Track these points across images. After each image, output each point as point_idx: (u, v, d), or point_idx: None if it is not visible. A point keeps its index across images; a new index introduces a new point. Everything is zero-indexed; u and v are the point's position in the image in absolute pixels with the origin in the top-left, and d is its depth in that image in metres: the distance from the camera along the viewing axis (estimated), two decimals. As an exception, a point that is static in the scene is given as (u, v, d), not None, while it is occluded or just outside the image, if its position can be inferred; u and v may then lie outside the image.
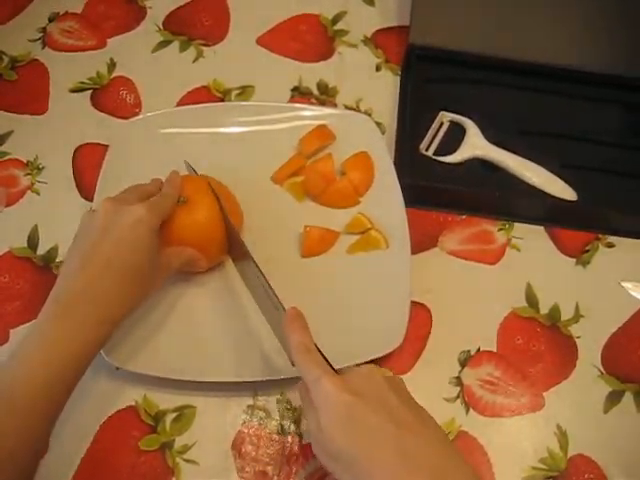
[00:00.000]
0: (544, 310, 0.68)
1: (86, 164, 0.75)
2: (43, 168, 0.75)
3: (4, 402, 0.49)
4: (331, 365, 0.51)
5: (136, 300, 0.58)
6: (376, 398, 0.47)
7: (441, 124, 0.77)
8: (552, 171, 0.73)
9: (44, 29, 0.85)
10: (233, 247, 0.65)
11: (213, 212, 0.63)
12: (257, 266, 0.58)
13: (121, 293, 0.55)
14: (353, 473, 0.45)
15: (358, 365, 0.52)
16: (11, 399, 0.49)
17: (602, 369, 0.65)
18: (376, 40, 0.86)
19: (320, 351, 0.51)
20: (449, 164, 0.74)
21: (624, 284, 0.70)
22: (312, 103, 0.80)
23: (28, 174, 0.75)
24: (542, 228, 0.73)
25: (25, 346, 0.52)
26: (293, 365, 0.52)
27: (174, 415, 0.62)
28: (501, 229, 0.73)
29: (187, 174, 0.68)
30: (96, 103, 0.80)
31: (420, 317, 0.67)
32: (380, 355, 0.62)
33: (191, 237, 0.63)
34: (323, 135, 0.74)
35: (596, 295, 0.69)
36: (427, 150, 0.75)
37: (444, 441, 0.48)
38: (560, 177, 0.73)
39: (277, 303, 0.55)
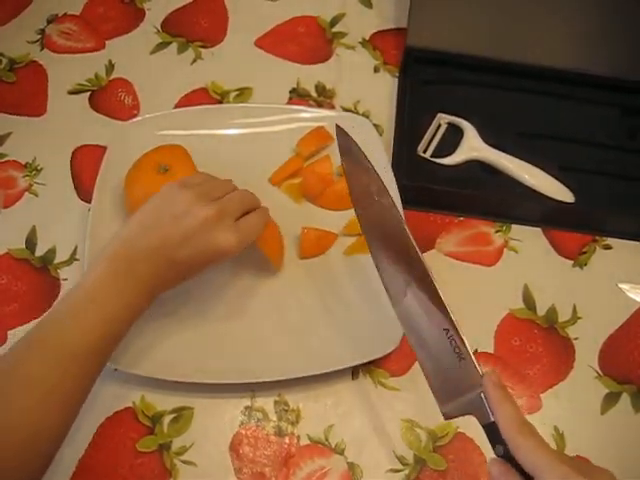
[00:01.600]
0: (541, 312, 0.68)
1: (84, 166, 0.75)
2: (41, 170, 0.75)
3: (65, 355, 0.50)
4: None
5: (193, 275, 0.59)
6: None
7: (439, 126, 0.77)
8: (549, 173, 0.73)
9: (43, 31, 0.85)
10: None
11: None
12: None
13: (179, 275, 0.57)
14: None
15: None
16: (73, 351, 0.50)
17: (599, 370, 0.66)
18: (374, 42, 0.86)
19: None
20: (447, 166, 0.74)
21: (621, 286, 0.70)
22: (310, 105, 0.80)
23: (26, 176, 0.75)
24: (539, 230, 0.73)
25: (78, 303, 0.52)
26: (496, 442, 0.45)
27: (172, 416, 0.62)
28: (498, 231, 0.73)
29: (168, 144, 0.69)
30: (94, 105, 0.80)
31: (418, 319, 0.67)
32: (378, 357, 0.63)
33: None
34: (321, 137, 0.74)
35: (593, 297, 0.69)
36: (425, 152, 0.75)
37: None
38: (557, 179, 0.73)
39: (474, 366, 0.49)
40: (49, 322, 0.52)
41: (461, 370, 0.49)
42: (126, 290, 0.53)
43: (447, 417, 0.49)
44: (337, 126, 0.61)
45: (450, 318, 0.50)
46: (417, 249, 0.53)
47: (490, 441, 0.46)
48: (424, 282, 0.52)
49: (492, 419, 0.46)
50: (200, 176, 0.62)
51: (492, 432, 0.46)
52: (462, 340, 0.49)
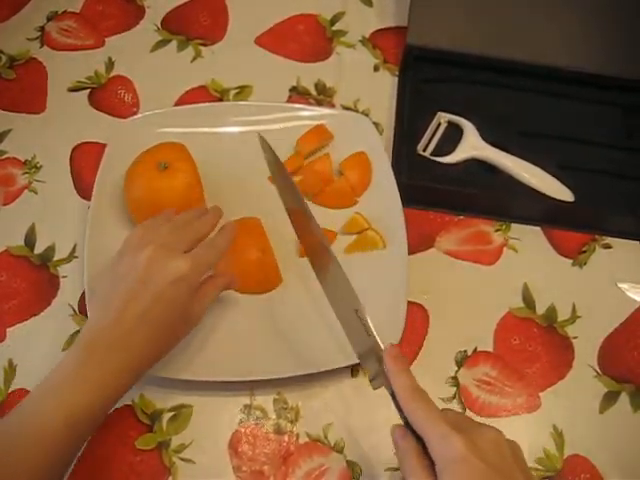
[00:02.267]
0: (541, 311, 0.68)
1: (84, 163, 0.75)
2: (41, 167, 0.75)
3: (25, 446, 0.49)
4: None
5: (164, 351, 0.57)
6: (504, 471, 0.44)
7: (439, 125, 0.77)
8: (549, 172, 0.73)
9: (42, 28, 0.85)
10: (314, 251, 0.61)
11: (192, 177, 0.66)
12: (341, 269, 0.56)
13: (151, 346, 0.55)
14: None
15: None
16: (33, 443, 0.49)
17: (598, 370, 0.66)
18: (374, 41, 0.86)
19: None
20: (446, 164, 0.74)
21: (620, 285, 0.70)
22: (310, 103, 0.80)
23: (26, 173, 0.75)
24: (539, 229, 0.73)
25: (48, 387, 0.51)
26: (399, 410, 0.48)
27: (171, 414, 0.62)
28: (498, 230, 0.73)
29: (168, 141, 0.69)
30: (94, 102, 0.80)
31: (417, 317, 0.67)
32: (377, 355, 0.63)
33: (170, 203, 0.64)
34: (321, 135, 0.74)
35: (592, 296, 0.69)
36: (424, 150, 0.75)
37: None
38: (557, 178, 0.73)
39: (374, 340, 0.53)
40: (14, 413, 0.51)
41: (370, 345, 0.53)
42: (96, 380, 0.51)
43: (373, 388, 0.53)
44: (261, 137, 0.63)
45: (358, 300, 0.54)
46: (327, 246, 0.58)
47: (396, 408, 0.48)
48: (337, 270, 0.56)
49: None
50: (146, 227, 0.60)
51: (395, 400, 0.49)
52: (366, 319, 0.53)
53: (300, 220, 0.60)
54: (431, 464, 0.44)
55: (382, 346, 0.52)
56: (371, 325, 0.53)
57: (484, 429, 0.46)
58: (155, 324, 0.54)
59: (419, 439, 0.45)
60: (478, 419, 0.62)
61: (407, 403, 0.47)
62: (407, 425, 0.47)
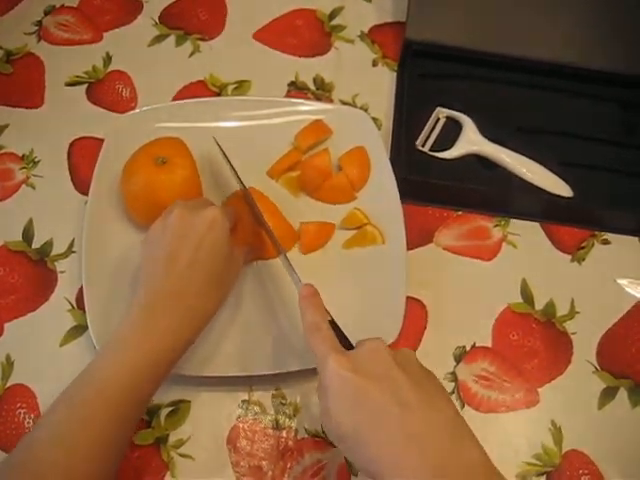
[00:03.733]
0: (539, 306, 0.68)
1: (82, 158, 0.75)
2: (39, 162, 0.75)
3: (95, 400, 0.50)
4: (349, 341, 0.51)
5: (217, 302, 0.58)
6: (382, 376, 0.46)
7: (437, 120, 0.77)
8: (548, 168, 0.73)
9: (40, 22, 0.85)
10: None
11: (191, 172, 0.66)
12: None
13: (205, 292, 0.56)
14: (361, 454, 0.45)
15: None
16: (102, 398, 0.50)
17: (597, 365, 0.66)
18: (373, 36, 0.86)
19: (338, 327, 0.52)
20: (445, 160, 0.74)
21: (619, 281, 0.70)
22: (308, 98, 0.80)
23: (23, 168, 0.74)
24: (538, 224, 0.73)
25: (110, 351, 0.53)
26: None
27: (169, 409, 0.62)
28: (497, 225, 0.73)
29: (166, 136, 0.69)
30: (92, 97, 0.79)
31: (415, 312, 0.67)
32: (375, 350, 0.62)
33: (168, 198, 0.63)
34: (319, 130, 0.74)
35: (591, 292, 0.69)
36: (423, 146, 0.75)
37: (452, 421, 0.46)
38: (556, 174, 0.73)
39: (297, 280, 0.57)
40: (80, 376, 0.52)
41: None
42: (154, 333, 0.53)
43: None
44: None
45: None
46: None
47: None
48: None
49: None
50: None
51: None
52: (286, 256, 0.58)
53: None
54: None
55: (300, 284, 0.55)
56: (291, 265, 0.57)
57: (365, 342, 0.49)
58: (203, 271, 0.56)
59: None
60: (476, 415, 0.63)
61: (307, 338, 0.50)
62: None
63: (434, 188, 0.72)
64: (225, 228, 0.57)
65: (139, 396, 0.52)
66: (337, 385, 0.45)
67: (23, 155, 0.75)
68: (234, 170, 0.67)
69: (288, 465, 0.60)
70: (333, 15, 0.87)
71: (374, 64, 0.83)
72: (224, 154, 0.68)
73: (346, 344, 0.51)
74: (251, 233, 0.67)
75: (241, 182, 0.66)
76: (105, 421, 0.50)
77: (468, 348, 0.66)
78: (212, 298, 0.57)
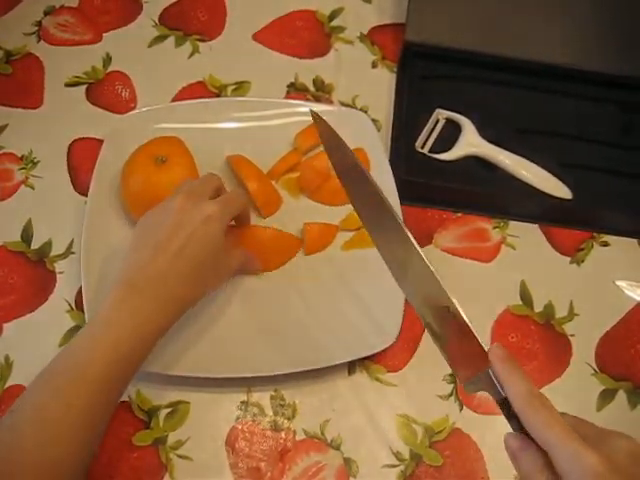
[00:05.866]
0: (538, 308, 0.68)
1: (81, 159, 0.75)
2: (38, 162, 0.75)
3: (73, 370, 0.51)
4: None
5: (200, 291, 0.59)
6: None
7: (437, 121, 0.77)
8: (547, 169, 0.73)
9: (39, 23, 0.85)
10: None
11: (190, 171, 0.66)
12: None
13: (188, 281, 0.57)
14: None
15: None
16: (79, 367, 0.51)
17: (596, 367, 0.66)
18: (372, 37, 0.86)
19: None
20: (445, 162, 0.74)
21: (618, 283, 0.70)
22: (308, 99, 0.80)
23: (23, 168, 0.74)
24: (537, 226, 0.73)
25: (93, 323, 0.54)
26: (509, 418, 0.44)
27: (168, 411, 0.62)
28: (496, 227, 0.73)
29: (165, 135, 0.69)
30: (91, 98, 0.79)
31: (415, 314, 0.67)
32: (374, 352, 0.62)
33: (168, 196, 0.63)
34: (319, 131, 0.74)
35: (590, 294, 0.69)
36: (423, 147, 0.75)
37: None
38: (555, 175, 0.73)
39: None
40: (61, 353, 0.53)
41: (467, 347, 0.48)
42: (139, 312, 0.54)
43: (469, 392, 0.49)
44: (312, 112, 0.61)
45: (448, 297, 0.50)
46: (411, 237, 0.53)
47: (505, 416, 0.45)
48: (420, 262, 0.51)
49: (504, 394, 0.45)
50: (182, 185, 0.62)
51: (505, 408, 0.45)
52: (462, 316, 0.49)
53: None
54: (556, 477, 0.40)
55: (484, 346, 0.48)
56: (470, 324, 0.49)
57: (614, 438, 0.43)
58: (190, 260, 0.56)
59: (538, 448, 0.42)
60: (475, 416, 0.63)
61: (528, 413, 0.42)
62: (525, 433, 0.43)
63: (433, 190, 0.72)
64: (220, 225, 0.58)
65: (122, 377, 0.53)
66: None
67: (22, 156, 0.75)
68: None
69: (287, 466, 0.60)
70: (333, 16, 0.87)
71: (374, 65, 0.83)
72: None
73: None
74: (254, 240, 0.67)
75: None
76: (89, 405, 0.50)
77: (467, 350, 0.66)
78: (193, 290, 0.58)
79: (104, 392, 0.52)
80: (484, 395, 0.64)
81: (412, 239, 0.51)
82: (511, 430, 0.44)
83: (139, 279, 0.55)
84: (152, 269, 0.55)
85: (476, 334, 0.48)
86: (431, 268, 0.50)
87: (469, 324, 0.48)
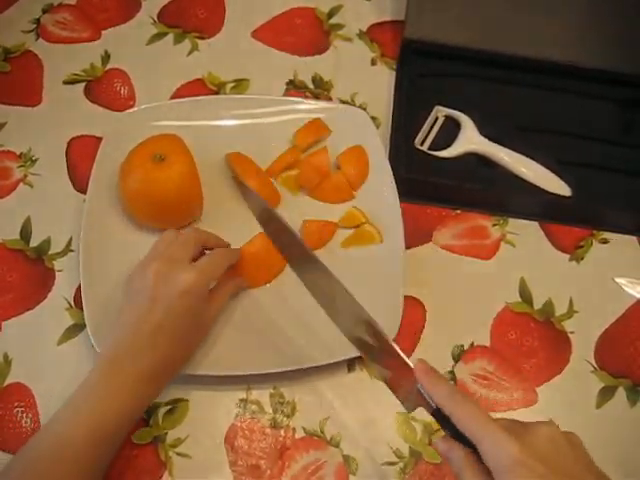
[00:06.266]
0: (538, 305, 0.68)
1: (80, 156, 0.75)
2: (36, 160, 0.75)
3: (53, 451, 0.50)
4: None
5: (183, 359, 0.60)
6: (565, 471, 0.42)
7: (436, 119, 0.77)
8: (547, 167, 0.73)
9: (38, 20, 0.85)
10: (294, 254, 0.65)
11: (189, 169, 0.66)
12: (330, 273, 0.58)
13: (169, 355, 0.57)
14: None
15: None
16: (60, 448, 0.50)
17: (595, 364, 0.66)
18: (372, 34, 0.86)
19: None
20: (444, 159, 0.74)
21: (618, 280, 0.70)
22: (307, 97, 0.80)
23: (21, 166, 0.74)
24: (537, 224, 0.73)
25: (75, 399, 0.53)
26: (443, 426, 0.47)
27: (167, 408, 0.62)
28: (495, 224, 0.73)
29: (163, 133, 0.68)
30: (90, 95, 0.79)
31: (414, 312, 0.67)
32: (374, 349, 0.62)
33: (166, 195, 0.64)
34: (318, 129, 0.74)
35: (590, 291, 0.69)
36: (422, 145, 0.75)
37: None
38: (555, 173, 0.73)
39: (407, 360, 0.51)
40: (44, 429, 0.53)
41: (397, 368, 0.51)
42: (122, 389, 0.53)
43: (409, 411, 0.51)
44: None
45: (370, 318, 0.53)
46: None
47: (440, 426, 0.47)
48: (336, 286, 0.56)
49: (434, 405, 0.47)
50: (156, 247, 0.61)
51: (439, 417, 0.47)
52: (386, 337, 0.52)
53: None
54: (488, 470, 0.42)
55: (411, 365, 0.49)
56: (396, 346, 0.51)
57: (536, 426, 0.44)
58: (170, 336, 0.56)
59: (467, 444, 0.44)
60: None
61: (453, 409, 0.45)
62: (452, 436, 0.45)
63: (433, 187, 0.72)
64: (199, 295, 0.57)
65: (97, 453, 0.52)
66: (519, 475, 0.41)
67: (21, 153, 0.75)
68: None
69: (286, 464, 0.60)
70: (332, 14, 0.87)
71: (373, 63, 0.83)
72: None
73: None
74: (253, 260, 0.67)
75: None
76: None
77: (466, 347, 0.66)
78: (175, 360, 0.58)
79: (82, 470, 0.51)
80: (484, 393, 0.64)
81: (333, 274, 0.56)
82: None
83: (121, 355, 0.55)
84: (133, 344, 0.55)
85: (401, 353, 0.50)
86: (352, 296, 0.54)
87: (393, 344, 0.51)
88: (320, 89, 0.81)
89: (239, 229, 0.68)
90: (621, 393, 0.64)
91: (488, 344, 0.66)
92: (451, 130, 0.76)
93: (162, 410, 0.62)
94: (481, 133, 0.75)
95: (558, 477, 0.41)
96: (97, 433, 0.51)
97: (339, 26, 0.86)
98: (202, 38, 0.84)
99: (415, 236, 0.71)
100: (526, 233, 0.72)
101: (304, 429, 0.62)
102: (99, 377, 0.54)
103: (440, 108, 0.77)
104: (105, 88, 0.80)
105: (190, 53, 0.83)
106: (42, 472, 0.49)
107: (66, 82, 0.80)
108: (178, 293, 0.55)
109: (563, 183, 0.72)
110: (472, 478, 0.43)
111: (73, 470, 0.50)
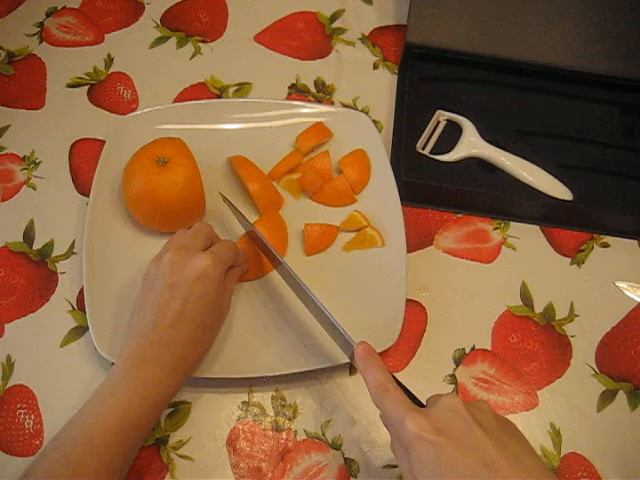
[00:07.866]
0: (539, 309, 0.68)
1: (83, 159, 0.75)
2: (40, 163, 0.75)
3: (84, 443, 0.51)
4: (416, 398, 0.50)
5: (206, 347, 0.60)
6: (463, 436, 0.44)
7: (438, 123, 0.77)
8: (548, 171, 0.73)
9: (41, 24, 0.85)
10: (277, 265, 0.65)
11: (192, 172, 0.66)
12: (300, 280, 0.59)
13: (193, 343, 0.57)
14: None
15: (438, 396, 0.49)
16: (91, 440, 0.51)
17: (596, 368, 0.66)
18: (374, 38, 0.86)
19: (401, 383, 0.50)
20: (445, 163, 0.74)
21: (618, 284, 0.70)
22: (309, 100, 0.80)
23: (24, 169, 0.74)
24: (538, 227, 0.73)
25: (101, 395, 0.54)
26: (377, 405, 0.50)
27: (169, 411, 0.62)
28: (497, 228, 0.73)
29: (166, 137, 0.69)
30: (93, 98, 0.80)
31: (415, 315, 0.67)
32: (375, 352, 0.63)
33: (170, 198, 0.64)
34: (320, 132, 0.74)
35: (591, 295, 0.69)
36: (424, 148, 0.75)
37: (539, 472, 0.44)
38: (556, 177, 0.73)
39: (349, 339, 0.55)
40: (72, 420, 0.53)
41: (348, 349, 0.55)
42: (146, 382, 0.54)
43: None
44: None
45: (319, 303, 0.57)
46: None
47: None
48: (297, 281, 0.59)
49: None
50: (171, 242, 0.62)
51: None
52: (330, 317, 0.56)
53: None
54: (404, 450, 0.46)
55: (353, 344, 0.53)
56: (338, 324, 0.55)
57: (441, 399, 0.47)
58: (193, 322, 0.56)
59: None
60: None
61: (375, 400, 0.49)
62: None
63: (434, 191, 0.72)
64: (217, 278, 0.57)
65: (131, 444, 0.53)
66: (420, 448, 0.44)
67: (24, 156, 0.75)
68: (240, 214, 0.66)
69: (288, 467, 0.60)
70: (334, 18, 0.87)
71: (375, 67, 0.84)
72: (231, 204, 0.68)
73: (412, 398, 0.50)
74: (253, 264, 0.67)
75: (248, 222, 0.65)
76: (97, 473, 0.50)
77: (468, 351, 0.66)
78: (199, 348, 0.58)
79: (113, 460, 0.51)
80: (484, 397, 0.64)
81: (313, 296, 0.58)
82: None
83: (143, 348, 0.55)
84: (154, 337, 0.55)
85: (346, 334, 0.55)
86: (323, 306, 0.57)
87: (337, 324, 0.55)
88: (322, 93, 0.81)
89: (241, 232, 0.68)
90: (622, 397, 0.64)
91: (489, 347, 0.66)
92: (452, 134, 0.76)
93: (164, 412, 0.62)
94: (482, 137, 0.75)
95: (452, 442, 0.44)
96: (126, 424, 0.52)
97: (341, 30, 0.86)
98: (205, 42, 0.85)
99: (417, 239, 0.71)
100: (527, 237, 0.72)
101: (306, 432, 0.62)
102: (124, 371, 0.54)
103: (442, 112, 0.77)
104: (108, 91, 0.80)
105: (193, 57, 0.83)
106: (75, 463, 0.50)
107: (69, 85, 0.80)
108: (195, 277, 0.56)
109: (564, 187, 0.73)
110: (396, 453, 0.47)
111: (104, 460, 0.51)
